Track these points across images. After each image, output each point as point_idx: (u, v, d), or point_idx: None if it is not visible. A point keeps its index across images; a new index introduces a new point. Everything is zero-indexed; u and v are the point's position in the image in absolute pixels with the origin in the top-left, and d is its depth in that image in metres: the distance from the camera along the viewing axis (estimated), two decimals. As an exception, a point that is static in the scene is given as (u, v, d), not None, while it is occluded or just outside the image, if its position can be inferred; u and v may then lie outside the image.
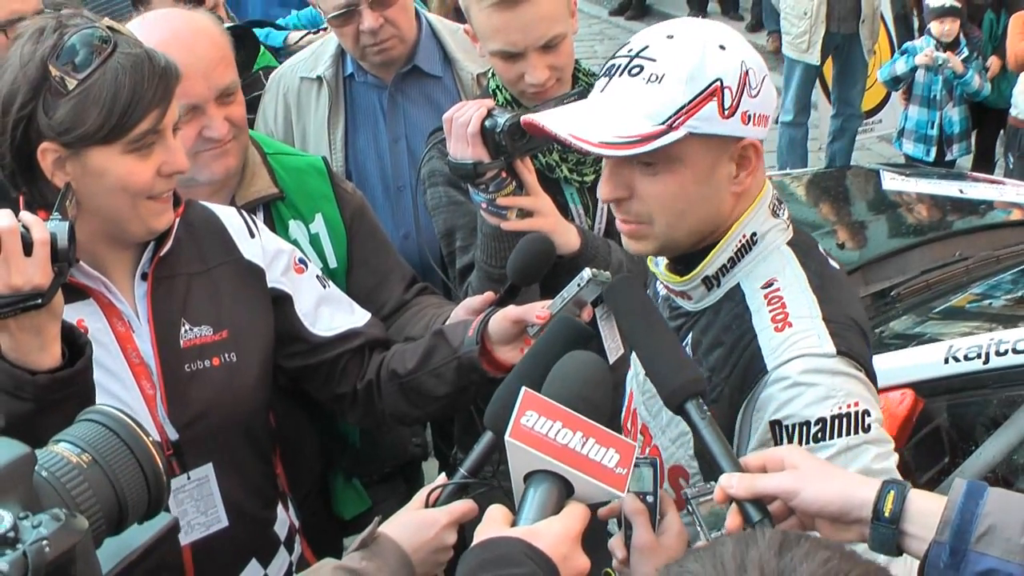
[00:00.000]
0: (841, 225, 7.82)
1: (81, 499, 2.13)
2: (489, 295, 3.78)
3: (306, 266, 3.75)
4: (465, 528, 2.86)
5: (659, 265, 3.13)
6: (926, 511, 2.35)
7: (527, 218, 3.84)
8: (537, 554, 2.31)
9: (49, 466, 2.14)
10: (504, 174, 3.82)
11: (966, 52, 10.63)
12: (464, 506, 2.90)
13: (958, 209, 7.64)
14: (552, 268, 3.67)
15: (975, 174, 8.81)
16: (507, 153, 3.76)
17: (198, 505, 3.41)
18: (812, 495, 2.45)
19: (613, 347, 4.18)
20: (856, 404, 2.72)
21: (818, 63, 12.24)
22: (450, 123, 3.82)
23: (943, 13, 10.34)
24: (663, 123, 2.82)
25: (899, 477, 2.58)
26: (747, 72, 2.83)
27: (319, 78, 5.11)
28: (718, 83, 2.81)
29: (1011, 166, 11.12)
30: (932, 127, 10.78)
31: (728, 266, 2.98)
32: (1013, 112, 11.13)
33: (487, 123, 3.75)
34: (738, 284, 2.99)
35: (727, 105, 2.82)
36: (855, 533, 2.43)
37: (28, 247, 2.88)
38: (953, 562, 2.29)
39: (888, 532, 2.37)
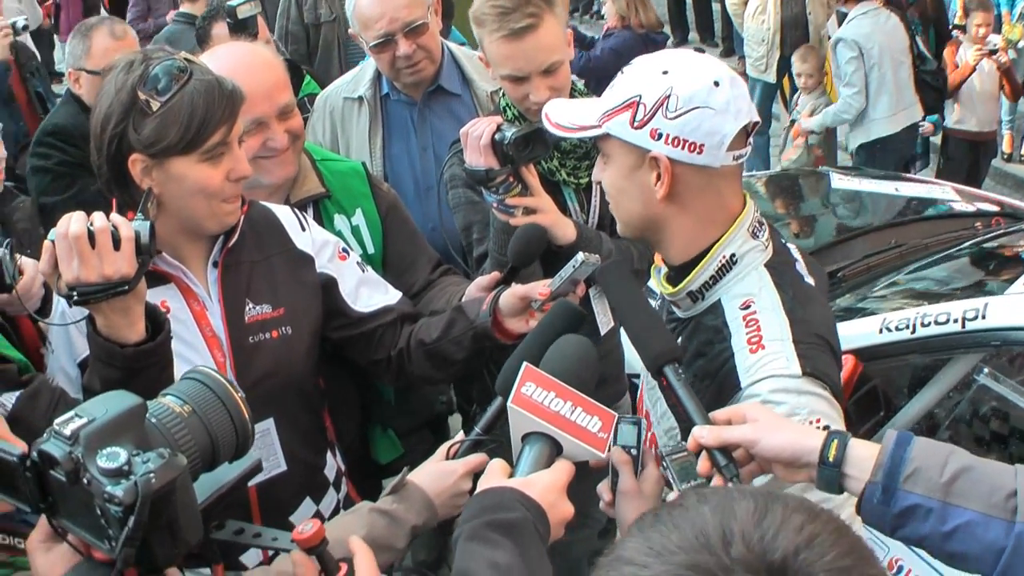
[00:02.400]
0: (797, 218, 7.82)
1: (182, 441, 2.17)
2: (495, 274, 3.82)
3: (348, 254, 3.78)
4: (479, 477, 2.92)
5: (659, 273, 3.11)
6: (863, 456, 2.38)
7: (531, 215, 3.88)
8: (528, 500, 2.35)
9: (157, 414, 2.18)
10: (511, 178, 3.87)
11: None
12: (478, 458, 2.96)
13: (894, 204, 7.64)
14: (553, 256, 3.71)
15: (909, 175, 8.79)
16: (513, 161, 3.82)
17: (261, 452, 3.41)
18: (769, 444, 2.47)
19: (604, 321, 4.24)
20: (817, 421, 2.68)
21: (775, 81, 12.12)
22: (466, 136, 3.88)
23: None
24: (596, 120, 2.89)
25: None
26: (668, 97, 2.77)
27: (360, 98, 5.19)
28: (637, 98, 2.81)
29: (941, 167, 11.09)
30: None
31: (710, 283, 2.94)
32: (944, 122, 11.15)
33: (496, 136, 3.82)
34: (719, 300, 2.95)
35: (638, 118, 2.80)
36: (804, 475, 2.45)
37: (117, 243, 2.93)
38: (885, 499, 2.32)
39: (832, 474, 2.40)
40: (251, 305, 3.47)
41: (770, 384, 2.73)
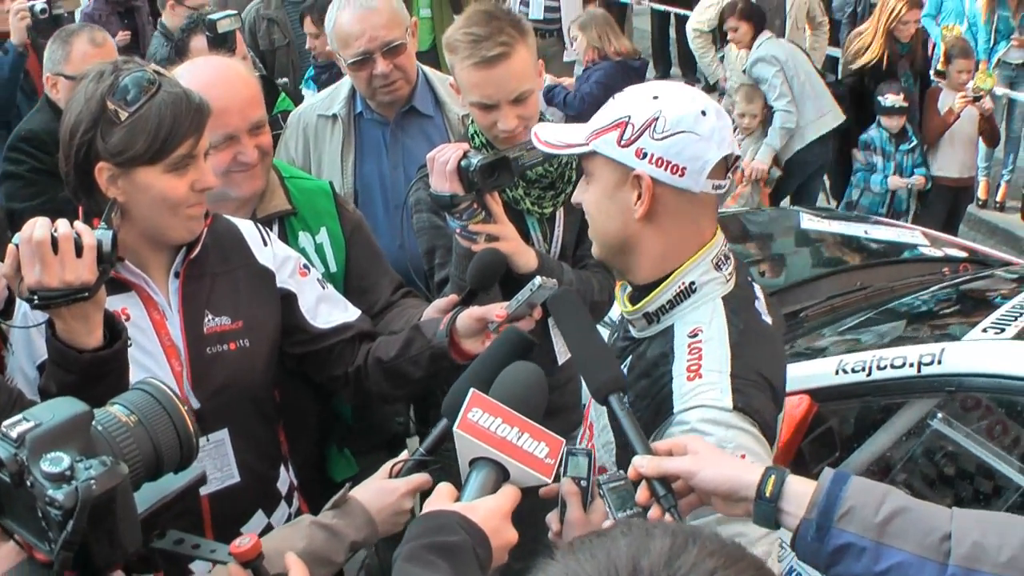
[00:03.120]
0: (764, 257, 7.86)
1: (127, 450, 2.22)
2: (453, 297, 3.87)
3: (309, 270, 3.82)
4: (422, 496, 2.93)
5: (624, 292, 3.14)
6: (800, 492, 2.40)
7: (494, 242, 3.93)
8: (470, 524, 2.38)
9: (103, 422, 2.24)
10: (476, 205, 3.91)
11: (915, 140, 10.47)
12: (420, 478, 3.03)
13: (862, 247, 7.66)
14: (514, 283, 3.74)
15: (879, 218, 8.83)
16: (478, 188, 3.87)
17: (215, 463, 3.48)
18: (708, 476, 2.50)
19: (562, 351, 4.28)
20: (743, 456, 2.69)
21: None
22: (432, 161, 3.93)
23: (893, 112, 10.25)
24: (584, 139, 2.96)
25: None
26: (657, 119, 2.85)
27: (334, 115, 5.25)
28: (626, 118, 2.88)
29: (918, 212, 11.14)
30: (883, 206, 10.64)
31: (667, 307, 2.98)
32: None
33: (463, 163, 3.86)
34: (672, 325, 2.99)
35: (626, 137, 2.87)
36: (742, 509, 2.48)
37: (79, 250, 2.98)
38: (819, 536, 2.35)
39: (769, 509, 2.42)
40: (210, 316, 3.50)
41: (699, 413, 2.76)
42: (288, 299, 3.71)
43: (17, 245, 3.00)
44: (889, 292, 6.49)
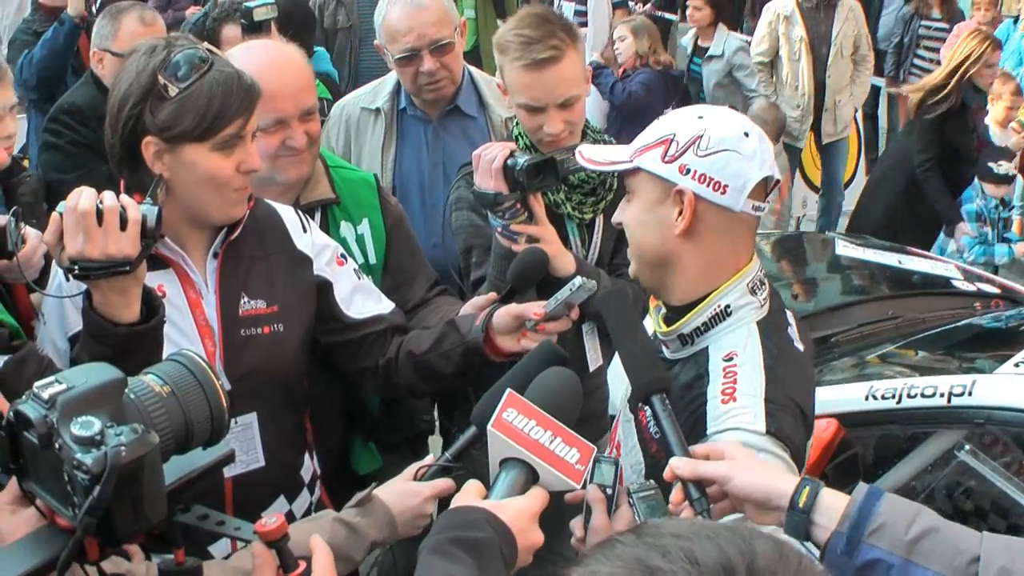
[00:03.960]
0: (797, 281, 7.84)
1: (157, 420, 2.19)
2: (492, 295, 3.86)
3: (346, 260, 3.83)
4: (443, 502, 2.96)
5: (659, 312, 3.17)
6: (833, 506, 2.40)
7: (534, 243, 3.92)
8: (498, 523, 2.37)
9: (136, 390, 2.21)
10: (519, 205, 3.91)
11: (1014, 204, 10.27)
12: (444, 483, 3.03)
13: (896, 276, 7.65)
14: (550, 287, 3.74)
15: (913, 249, 8.81)
16: (523, 188, 3.87)
17: (241, 446, 3.47)
18: (742, 482, 2.51)
19: (593, 358, 4.27)
20: None
21: (803, 147, 11.96)
22: (478, 159, 3.94)
23: (1001, 180, 10.05)
24: (628, 156, 3.00)
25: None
26: (701, 136, 2.89)
27: (378, 109, 5.26)
28: (671, 136, 2.93)
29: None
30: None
31: (701, 329, 3.00)
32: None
33: (509, 162, 3.86)
34: (707, 347, 3.01)
35: (670, 153, 2.91)
36: (774, 518, 2.47)
37: (124, 223, 3.00)
38: (848, 550, 2.35)
39: (800, 520, 2.42)
40: (246, 299, 3.51)
41: (733, 436, 2.76)
42: (323, 287, 3.72)
43: (61, 214, 3.02)
44: (920, 323, 6.47)
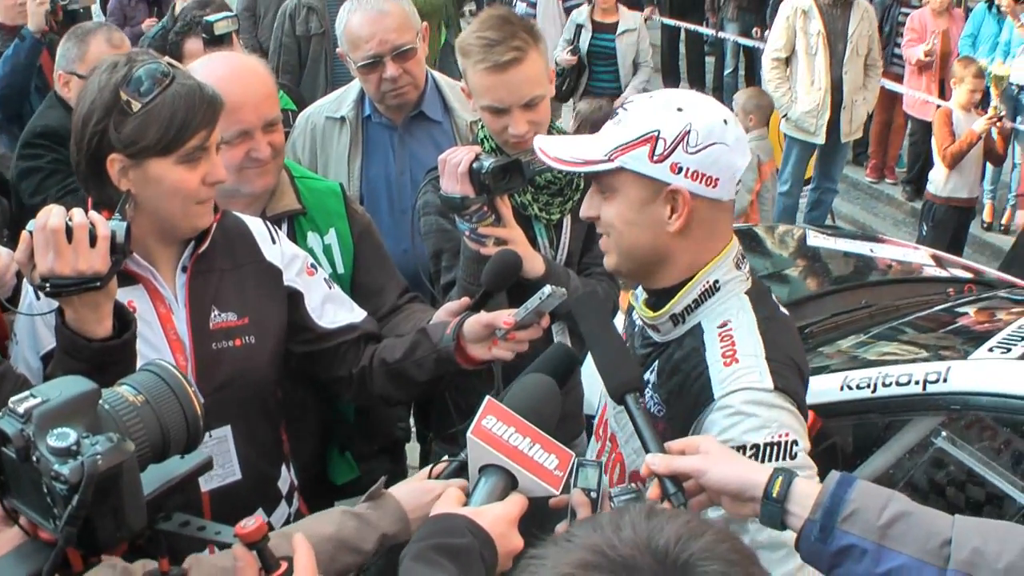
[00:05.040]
0: (770, 272, 7.88)
1: (133, 429, 2.25)
2: (465, 300, 3.89)
3: (316, 270, 3.84)
4: None
5: (639, 299, 3.20)
6: (806, 494, 2.45)
7: (502, 246, 3.94)
8: (477, 528, 2.42)
9: (111, 401, 2.27)
10: (486, 208, 3.92)
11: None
12: (460, 483, 3.00)
13: (868, 265, 7.69)
14: (519, 289, 3.77)
15: (885, 237, 8.85)
16: (489, 191, 3.88)
17: (217, 459, 3.42)
18: (717, 475, 2.56)
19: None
20: (787, 435, 2.77)
21: (822, 142, 11.94)
22: (444, 163, 3.94)
23: None
24: (606, 155, 2.98)
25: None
26: (688, 132, 2.90)
27: (343, 118, 5.28)
28: (655, 133, 2.92)
29: (924, 233, 11.19)
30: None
31: (692, 306, 3.04)
32: (929, 188, 11.28)
33: (475, 165, 3.87)
34: (699, 323, 3.04)
35: (658, 152, 2.91)
36: (750, 509, 2.53)
37: (93, 240, 3.02)
38: (822, 537, 2.39)
39: (775, 510, 2.47)
40: (216, 312, 3.53)
41: (744, 396, 2.83)
42: (294, 297, 3.73)
43: (31, 232, 3.03)
44: (894, 311, 6.51)
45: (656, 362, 3.14)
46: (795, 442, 2.79)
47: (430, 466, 3.13)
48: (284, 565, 2.37)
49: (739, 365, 2.89)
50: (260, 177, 4.01)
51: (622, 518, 1.70)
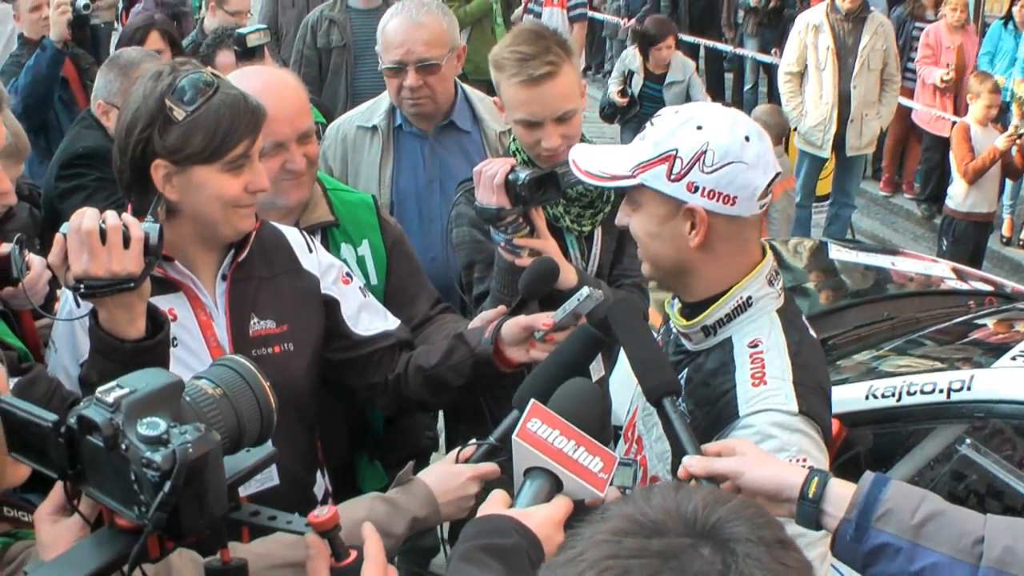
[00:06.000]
0: (792, 285, 7.91)
1: (213, 421, 2.31)
2: (501, 308, 3.92)
3: (351, 279, 3.88)
4: (488, 485, 3.05)
5: (673, 308, 3.24)
6: (841, 495, 2.51)
7: (536, 256, 3.97)
8: (524, 529, 2.43)
9: (191, 393, 2.33)
10: (521, 219, 3.96)
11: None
12: (488, 466, 3.13)
13: (889, 278, 7.73)
14: (552, 301, 3.79)
15: (905, 251, 8.88)
16: (525, 202, 3.92)
17: None
18: (753, 476, 2.60)
19: (596, 369, 4.31)
20: (804, 460, 2.80)
21: (827, 155, 12.07)
22: (479, 174, 3.98)
23: None
24: (630, 171, 3.03)
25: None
26: (704, 152, 2.93)
27: (374, 127, 5.37)
28: (673, 152, 2.96)
29: (944, 248, 11.21)
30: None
31: (724, 320, 3.08)
32: (948, 204, 11.30)
33: (510, 176, 3.91)
34: (730, 337, 3.09)
35: (675, 172, 2.96)
36: (786, 510, 2.57)
37: (127, 242, 3.06)
38: (857, 536, 2.45)
39: (811, 510, 2.52)
40: (256, 319, 3.58)
41: (767, 417, 2.87)
42: (331, 305, 3.77)
43: (65, 235, 3.08)
44: (915, 323, 6.54)
45: (686, 370, 3.18)
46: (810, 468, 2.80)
47: (457, 449, 3.20)
48: (354, 554, 2.43)
49: (766, 387, 2.94)
50: (296, 189, 4.06)
51: (652, 491, 1.74)
